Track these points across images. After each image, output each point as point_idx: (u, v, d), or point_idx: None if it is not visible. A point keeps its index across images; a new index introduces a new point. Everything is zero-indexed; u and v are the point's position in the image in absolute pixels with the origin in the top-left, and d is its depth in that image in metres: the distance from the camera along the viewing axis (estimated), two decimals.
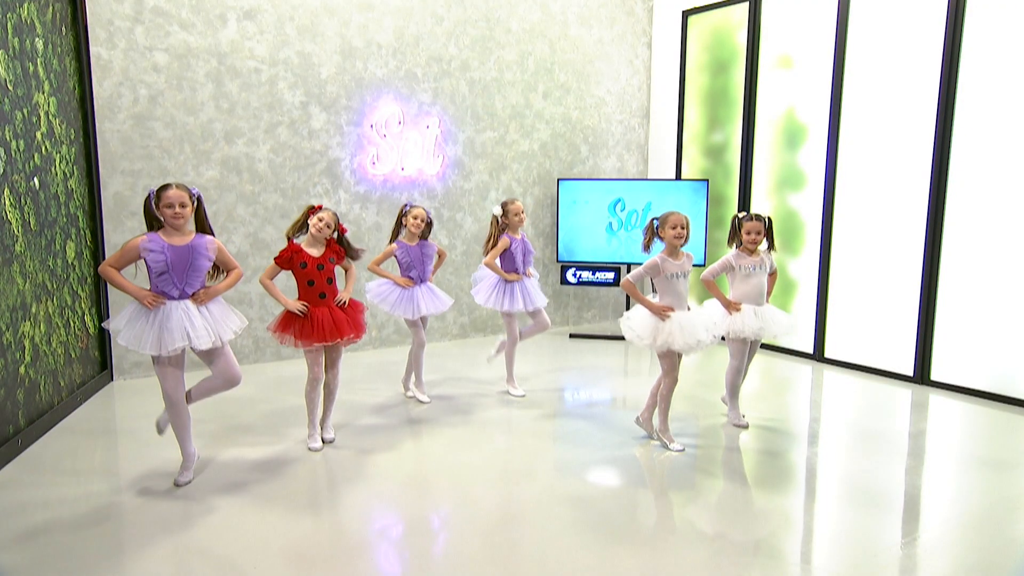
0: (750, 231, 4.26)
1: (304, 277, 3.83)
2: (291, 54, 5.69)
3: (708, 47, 6.90)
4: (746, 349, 4.34)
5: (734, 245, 4.38)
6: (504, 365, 5.12)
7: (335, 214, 3.90)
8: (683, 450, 3.93)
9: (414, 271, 4.60)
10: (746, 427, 4.38)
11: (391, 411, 4.66)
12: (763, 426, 4.42)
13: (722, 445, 4.12)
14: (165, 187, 3.27)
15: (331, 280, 3.90)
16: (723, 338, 4.29)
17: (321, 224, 3.82)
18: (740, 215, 4.36)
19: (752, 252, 4.30)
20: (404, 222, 4.56)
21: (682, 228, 3.90)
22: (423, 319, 4.72)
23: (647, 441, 4.10)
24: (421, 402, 4.80)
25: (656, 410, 4.05)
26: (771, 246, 4.38)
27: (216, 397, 4.82)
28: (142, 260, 3.27)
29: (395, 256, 4.59)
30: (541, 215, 7.26)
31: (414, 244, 4.61)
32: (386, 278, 4.62)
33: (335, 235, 3.94)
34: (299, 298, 3.86)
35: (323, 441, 4.02)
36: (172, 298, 3.30)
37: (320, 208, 3.86)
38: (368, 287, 4.70)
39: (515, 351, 5.02)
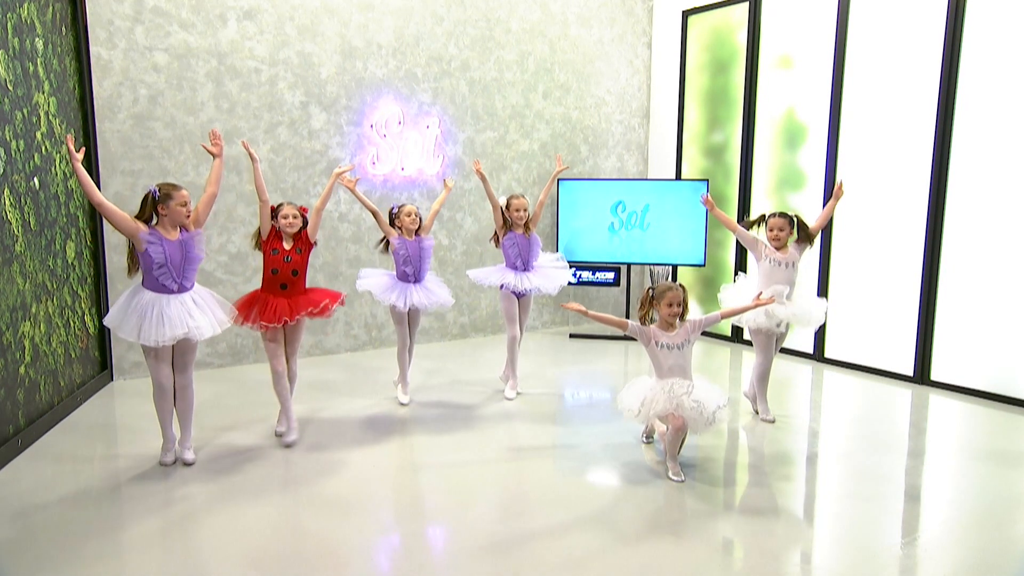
0: (773, 228, 4.31)
1: (270, 264, 3.92)
2: (291, 54, 5.69)
3: (708, 47, 6.90)
4: (771, 343, 4.37)
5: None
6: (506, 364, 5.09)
7: (295, 205, 3.98)
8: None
9: (410, 267, 4.58)
10: (773, 422, 4.40)
11: (389, 411, 4.66)
12: (763, 426, 4.41)
13: (723, 444, 4.12)
14: (178, 188, 3.43)
15: (296, 272, 3.95)
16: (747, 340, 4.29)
17: (286, 222, 3.91)
18: (767, 213, 4.44)
19: (779, 248, 4.32)
20: (398, 223, 4.57)
21: (677, 306, 3.58)
22: (411, 318, 4.71)
23: (646, 441, 4.10)
24: (401, 403, 4.75)
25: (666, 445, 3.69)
26: (803, 239, 4.36)
27: (219, 394, 4.84)
28: (136, 251, 3.39)
29: (392, 248, 4.58)
30: (541, 215, 7.24)
31: (412, 239, 4.59)
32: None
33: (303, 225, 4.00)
34: (263, 286, 3.95)
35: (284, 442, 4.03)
36: (171, 292, 3.41)
37: (282, 206, 3.97)
38: (362, 273, 4.72)
39: (516, 351, 4.99)
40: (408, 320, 4.69)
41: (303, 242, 3.98)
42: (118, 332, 3.37)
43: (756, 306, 3.85)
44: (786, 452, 4.01)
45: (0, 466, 3.59)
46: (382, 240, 4.66)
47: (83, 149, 3.41)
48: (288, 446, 3.94)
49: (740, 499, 3.43)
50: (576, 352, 6.46)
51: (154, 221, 3.43)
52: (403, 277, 4.61)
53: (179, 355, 3.57)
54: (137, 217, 3.38)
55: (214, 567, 2.72)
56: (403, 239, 4.56)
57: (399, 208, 4.58)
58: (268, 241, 3.92)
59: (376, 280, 4.63)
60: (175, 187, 3.43)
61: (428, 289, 4.65)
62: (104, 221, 5.08)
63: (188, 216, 3.45)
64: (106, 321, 3.45)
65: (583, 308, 3.62)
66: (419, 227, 4.61)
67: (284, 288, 3.91)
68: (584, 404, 4.98)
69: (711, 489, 3.49)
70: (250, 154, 3.83)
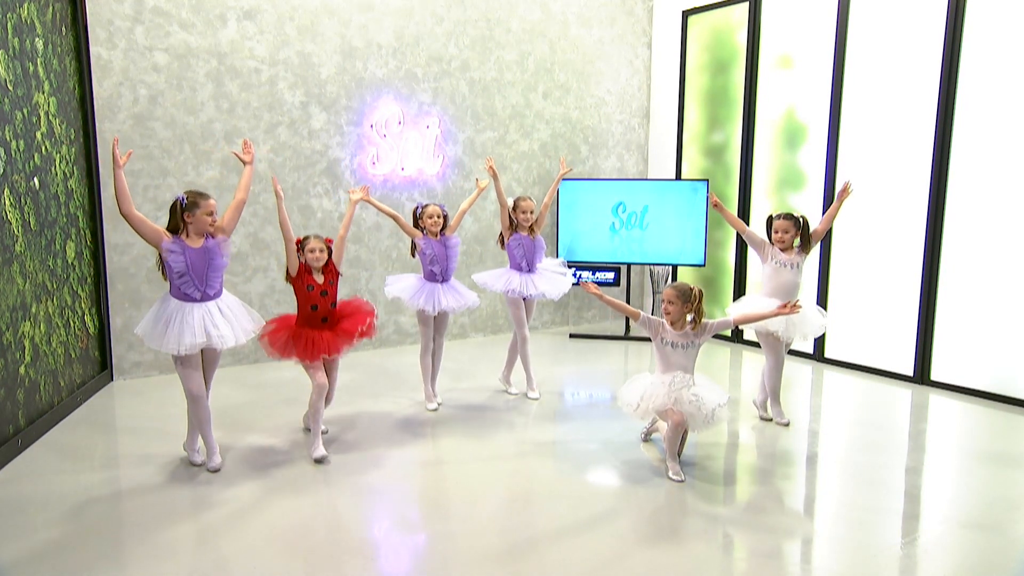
0: (778, 230, 4.28)
1: (308, 301, 3.85)
2: (291, 54, 5.69)
3: (708, 47, 6.90)
4: (780, 346, 4.34)
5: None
6: (518, 365, 5.07)
7: (321, 238, 3.92)
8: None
9: (437, 266, 4.57)
10: (787, 425, 4.36)
11: (388, 411, 4.66)
12: (764, 426, 4.42)
13: (723, 444, 4.12)
14: (206, 196, 3.42)
15: (334, 304, 3.95)
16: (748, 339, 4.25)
17: (312, 256, 3.84)
18: (772, 214, 4.39)
19: (784, 249, 4.29)
20: (421, 223, 4.56)
21: (668, 303, 3.60)
22: (438, 321, 4.67)
23: (645, 439, 4.10)
24: (429, 409, 4.69)
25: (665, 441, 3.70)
26: (804, 247, 4.30)
27: (221, 394, 4.83)
28: (160, 261, 3.40)
29: (419, 249, 4.57)
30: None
31: (436, 239, 4.57)
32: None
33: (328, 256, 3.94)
34: (300, 320, 3.88)
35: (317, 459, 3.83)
36: (194, 300, 3.40)
37: (307, 239, 3.89)
38: (388, 280, 4.71)
39: (527, 351, 4.98)
40: (434, 322, 4.66)
41: (332, 273, 3.94)
42: (147, 341, 3.38)
43: (777, 314, 3.75)
44: (786, 452, 4.01)
45: (0, 466, 3.60)
46: (412, 244, 4.63)
47: (130, 153, 3.45)
48: (318, 462, 3.74)
49: (740, 499, 3.43)
50: (576, 352, 6.46)
51: (180, 229, 3.40)
52: (430, 277, 4.59)
53: (205, 365, 3.57)
54: (168, 227, 3.39)
55: (219, 569, 2.72)
56: (428, 239, 4.55)
57: (423, 209, 4.56)
58: (299, 277, 3.85)
59: (403, 284, 4.61)
60: (203, 196, 3.42)
61: (455, 290, 4.63)
62: (104, 222, 5.10)
63: (213, 224, 3.44)
64: (137, 330, 3.47)
65: (599, 291, 3.66)
66: (443, 227, 4.59)
67: (325, 321, 3.88)
68: (584, 404, 4.98)
69: (711, 488, 3.49)
70: (276, 192, 3.81)
